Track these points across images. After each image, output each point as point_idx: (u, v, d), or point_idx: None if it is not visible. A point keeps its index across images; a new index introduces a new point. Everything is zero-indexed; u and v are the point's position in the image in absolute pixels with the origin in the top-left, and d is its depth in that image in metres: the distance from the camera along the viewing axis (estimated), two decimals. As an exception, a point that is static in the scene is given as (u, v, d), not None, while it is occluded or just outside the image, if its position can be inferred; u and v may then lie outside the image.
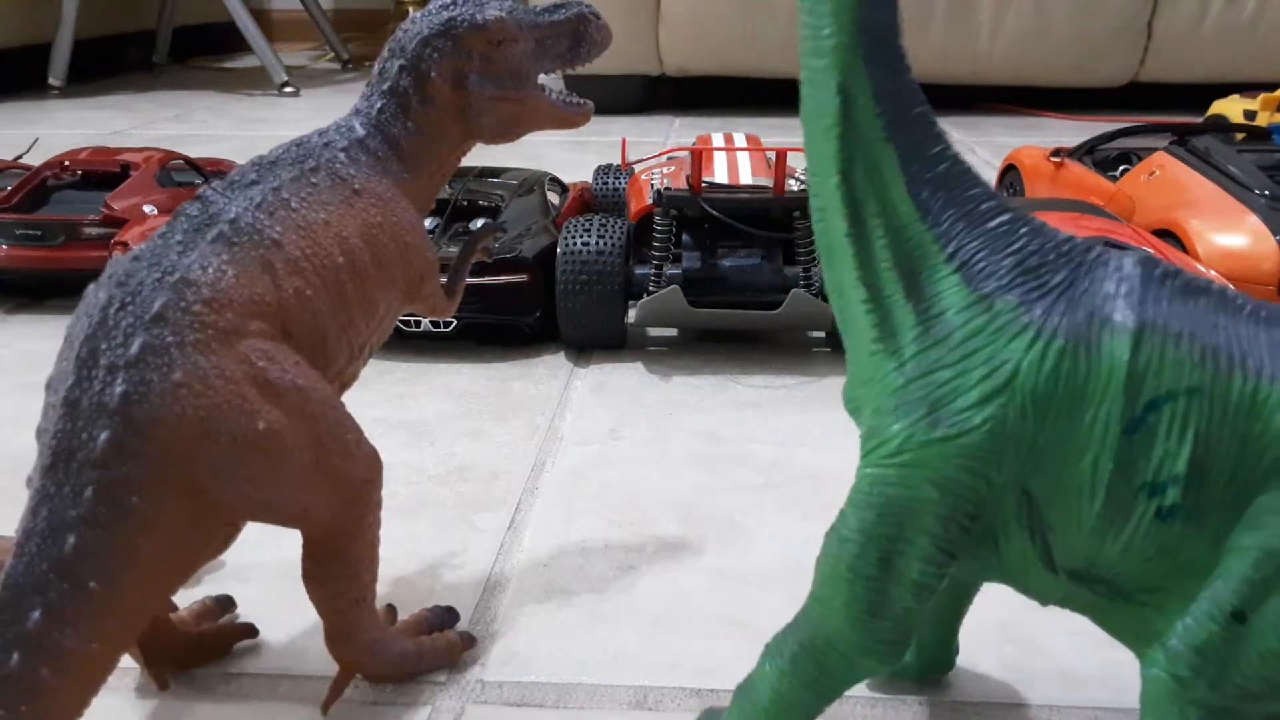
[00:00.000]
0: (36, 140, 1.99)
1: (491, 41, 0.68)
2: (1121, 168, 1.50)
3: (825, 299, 1.14)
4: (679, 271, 1.20)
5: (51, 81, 3.25)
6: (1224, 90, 2.10)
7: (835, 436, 1.03)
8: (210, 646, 0.70)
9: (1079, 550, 0.50)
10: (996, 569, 0.53)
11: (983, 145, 2.50)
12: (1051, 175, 1.54)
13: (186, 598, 0.75)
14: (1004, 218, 0.51)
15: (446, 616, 0.71)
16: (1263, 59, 2.82)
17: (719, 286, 1.20)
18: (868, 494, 0.51)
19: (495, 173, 1.45)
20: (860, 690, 0.68)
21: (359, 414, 0.64)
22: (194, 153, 2.14)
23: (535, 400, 1.11)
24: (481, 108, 0.70)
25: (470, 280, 1.18)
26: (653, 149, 2.18)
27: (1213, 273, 1.10)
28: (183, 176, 1.50)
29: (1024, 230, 0.51)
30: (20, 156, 1.63)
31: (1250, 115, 1.83)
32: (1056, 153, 1.56)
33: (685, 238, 1.22)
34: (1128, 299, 0.48)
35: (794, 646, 0.54)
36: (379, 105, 0.68)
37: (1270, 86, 1.97)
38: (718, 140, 1.38)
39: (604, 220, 1.23)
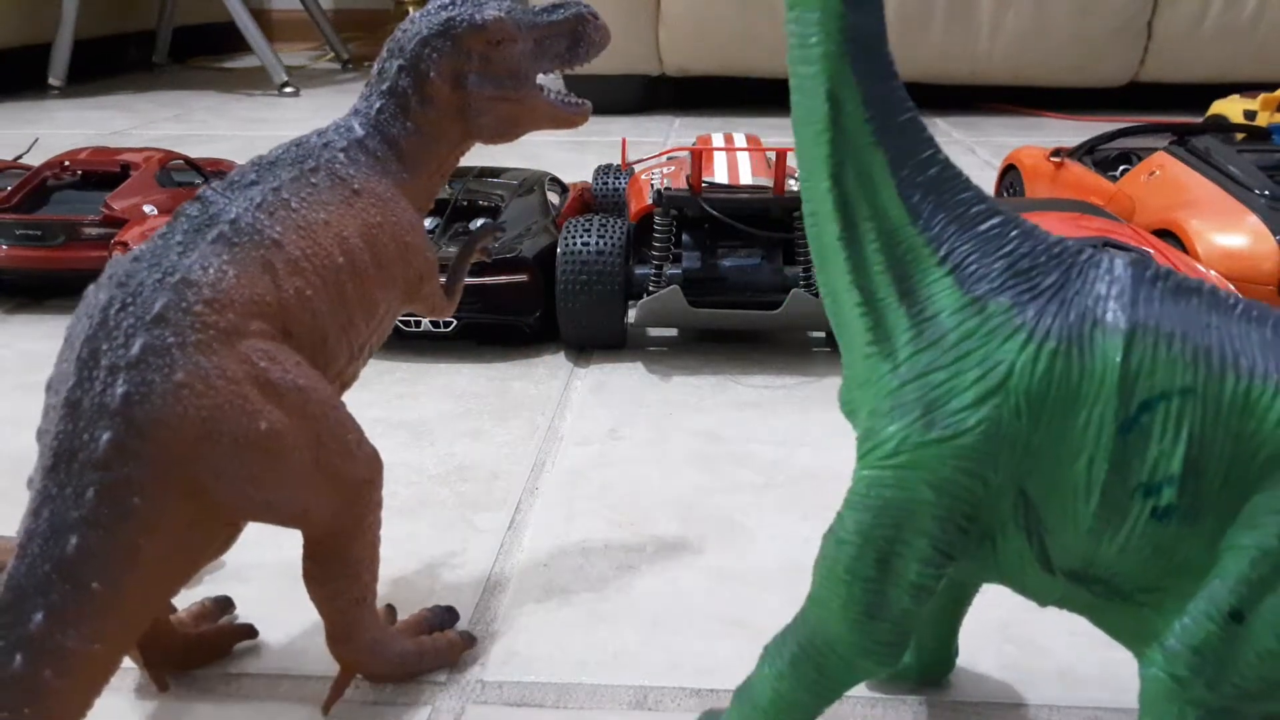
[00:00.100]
0: (36, 140, 1.99)
1: (490, 41, 0.68)
2: (1121, 168, 1.50)
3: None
4: (679, 271, 1.20)
5: (51, 81, 3.26)
6: (1224, 90, 2.10)
7: (835, 436, 1.03)
8: (210, 648, 0.70)
9: (1076, 551, 0.50)
10: (994, 570, 0.53)
11: (983, 145, 2.50)
12: (1051, 175, 1.54)
13: (186, 599, 0.75)
14: (995, 220, 0.51)
15: (446, 616, 0.71)
16: (1263, 59, 2.82)
17: (719, 286, 1.20)
18: (864, 496, 0.51)
19: (495, 173, 1.45)
20: (860, 690, 0.68)
21: (359, 414, 0.64)
22: (194, 153, 2.14)
23: (535, 400, 1.11)
24: (480, 108, 0.70)
25: (470, 280, 1.18)
26: (653, 149, 2.18)
27: (1213, 273, 1.10)
28: (183, 176, 1.50)
29: (1015, 233, 0.51)
30: (20, 156, 1.63)
31: (1250, 115, 1.83)
32: (1056, 153, 1.56)
33: (685, 238, 1.22)
34: (1119, 300, 0.49)
35: (793, 648, 0.54)
36: (378, 105, 0.69)
37: (1270, 86, 1.97)
38: (718, 140, 1.38)
39: (604, 220, 1.23)
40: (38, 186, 1.42)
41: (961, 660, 0.70)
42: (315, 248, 0.61)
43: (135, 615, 0.55)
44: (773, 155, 1.23)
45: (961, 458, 0.49)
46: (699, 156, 1.22)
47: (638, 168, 1.50)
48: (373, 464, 0.62)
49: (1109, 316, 0.48)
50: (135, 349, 0.53)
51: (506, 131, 0.72)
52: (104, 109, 3.06)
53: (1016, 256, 0.50)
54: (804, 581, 0.60)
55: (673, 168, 1.37)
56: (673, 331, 1.32)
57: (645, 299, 1.17)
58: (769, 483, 0.94)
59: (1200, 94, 2.36)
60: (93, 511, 0.52)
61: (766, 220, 1.21)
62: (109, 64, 3.78)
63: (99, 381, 0.53)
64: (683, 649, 0.72)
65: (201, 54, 4.28)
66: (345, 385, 0.67)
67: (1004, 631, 0.73)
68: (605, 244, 1.19)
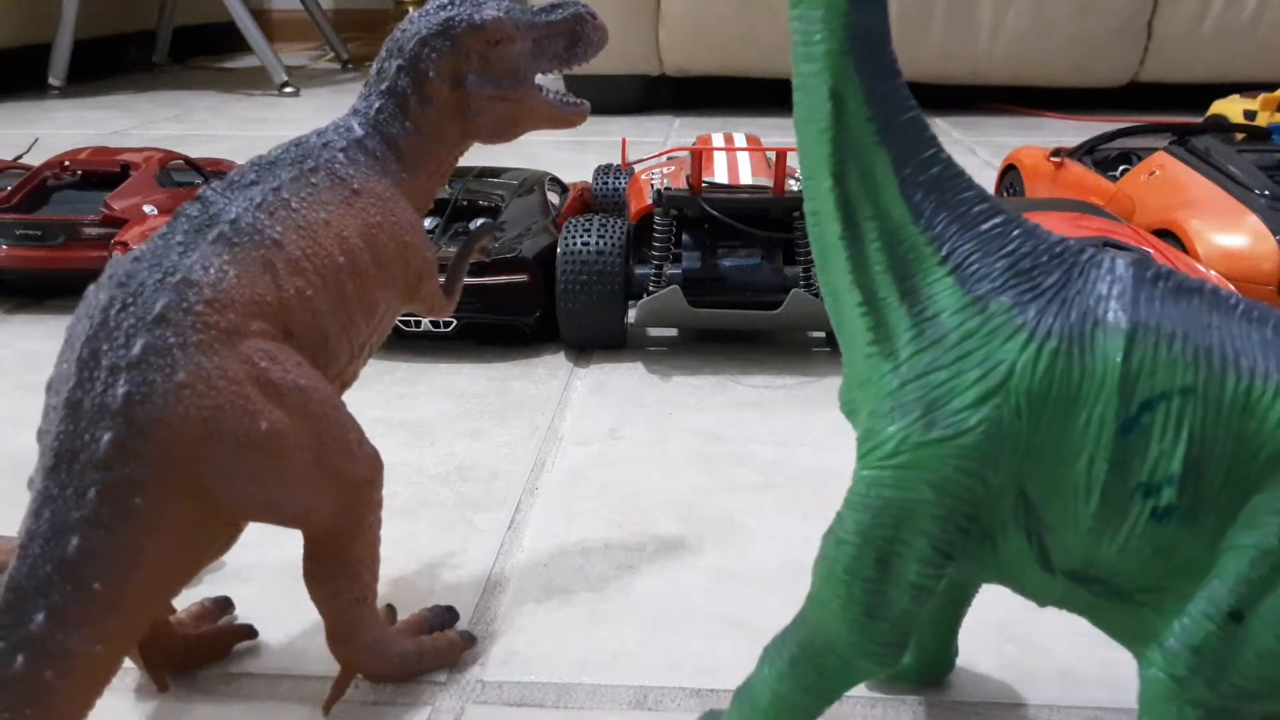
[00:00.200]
0: (36, 140, 1.99)
1: (489, 41, 0.68)
2: (1121, 168, 1.50)
3: (825, 299, 1.14)
4: (679, 271, 1.20)
5: (51, 81, 3.26)
6: (1224, 90, 2.10)
7: (835, 436, 1.03)
8: (209, 648, 0.70)
9: (1076, 551, 0.50)
10: (994, 570, 0.53)
11: (983, 145, 2.50)
12: (1051, 175, 1.54)
13: (185, 599, 0.75)
14: (997, 220, 0.51)
15: (446, 616, 0.71)
16: (1263, 59, 2.82)
17: (719, 286, 1.20)
18: (864, 496, 0.51)
19: (495, 173, 1.45)
20: (860, 691, 0.68)
21: (359, 414, 0.64)
22: (194, 153, 2.14)
23: (535, 400, 1.11)
24: (479, 107, 0.70)
25: (470, 280, 1.18)
26: (653, 149, 2.18)
27: (1213, 273, 1.10)
28: (183, 176, 1.50)
29: (1017, 232, 0.51)
30: (20, 156, 1.63)
31: (1250, 115, 1.83)
32: (1056, 153, 1.56)
33: (685, 238, 1.22)
34: (1120, 300, 0.49)
35: (792, 649, 0.54)
36: (377, 105, 0.69)
37: (1270, 86, 1.97)
38: (718, 140, 1.38)
39: (604, 220, 1.23)
40: (38, 186, 1.42)
41: (961, 660, 0.70)
42: (315, 247, 0.61)
43: (137, 616, 0.55)
44: (773, 155, 1.23)
45: (962, 458, 0.49)
46: (699, 156, 1.22)
47: (638, 168, 1.50)
48: (373, 464, 0.62)
49: (1110, 316, 0.48)
50: (136, 349, 0.53)
51: (505, 131, 0.72)
52: (104, 109, 3.06)
53: (1018, 256, 0.50)
54: (804, 581, 0.60)
55: (673, 168, 1.37)
56: (673, 331, 1.32)
57: (645, 299, 1.17)
58: (769, 483, 0.94)
59: (1200, 94, 2.36)
60: (94, 512, 0.52)
61: (766, 220, 1.21)
62: (109, 64, 3.78)
63: (100, 382, 0.53)
64: (683, 649, 0.72)
65: (201, 54, 4.28)
66: (345, 385, 0.67)
67: (1004, 631, 0.73)
68: (605, 244, 1.19)
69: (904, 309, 0.52)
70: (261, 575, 0.80)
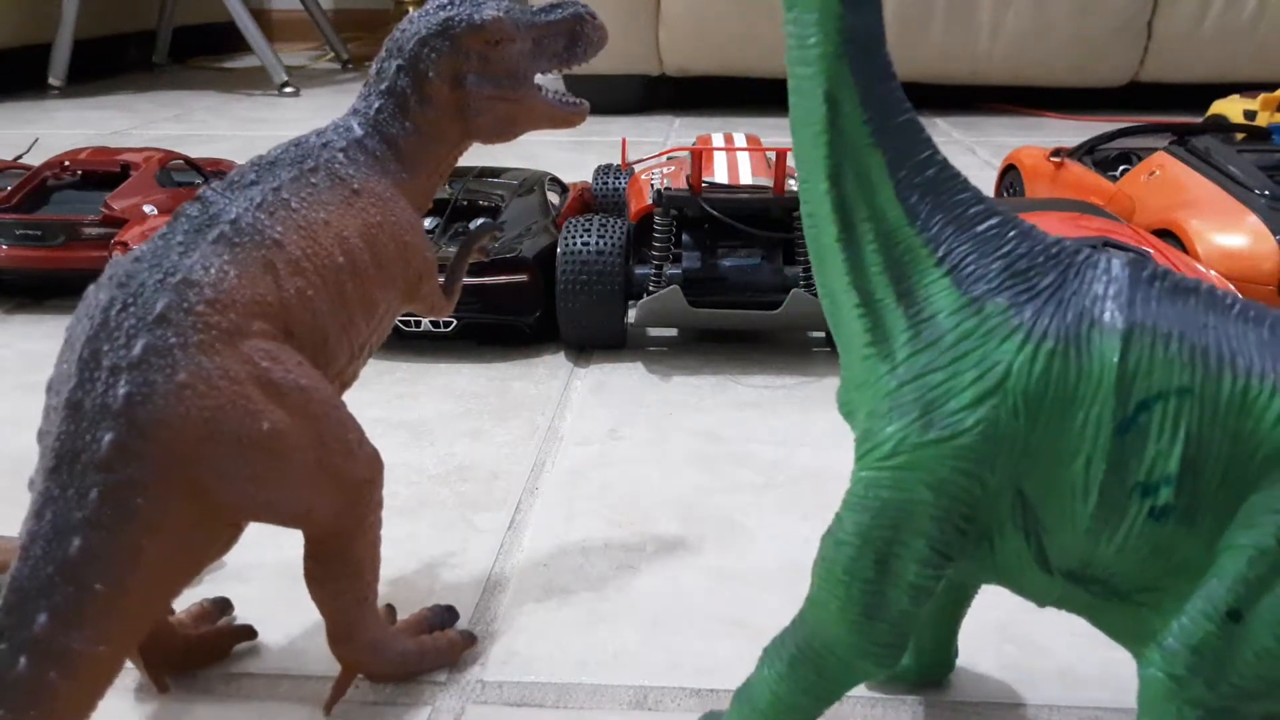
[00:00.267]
0: (36, 140, 1.99)
1: (489, 41, 0.69)
2: (1121, 168, 1.50)
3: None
4: (679, 271, 1.20)
5: (51, 81, 3.26)
6: (1224, 90, 2.10)
7: (835, 436, 1.03)
8: (209, 649, 0.70)
9: (1074, 551, 0.50)
10: (992, 570, 0.53)
11: (983, 145, 2.50)
12: (1051, 175, 1.54)
13: (185, 600, 0.75)
14: (993, 221, 0.51)
15: (446, 616, 0.72)
16: (1263, 59, 2.82)
17: (719, 286, 1.20)
18: (863, 497, 0.51)
19: (495, 173, 1.45)
20: (860, 691, 0.68)
21: (359, 414, 0.64)
22: (194, 153, 2.14)
23: (535, 400, 1.11)
24: (479, 107, 0.70)
25: (470, 280, 1.18)
26: (653, 149, 2.18)
27: (1213, 273, 1.10)
28: (183, 176, 1.51)
29: (1013, 233, 0.51)
30: (20, 156, 1.64)
31: (1250, 115, 1.83)
32: (1056, 153, 1.56)
33: (685, 238, 1.23)
34: (1116, 300, 0.49)
35: (792, 650, 0.54)
36: (377, 105, 0.69)
37: (1270, 86, 1.97)
38: (718, 140, 1.38)
39: (604, 220, 1.23)
40: (38, 186, 1.42)
41: (961, 660, 0.70)
42: (316, 247, 0.61)
43: (139, 616, 0.55)
44: (773, 155, 1.23)
45: (959, 458, 0.49)
46: (699, 156, 1.22)
47: (638, 168, 1.50)
48: (374, 464, 0.62)
49: (1106, 317, 0.48)
50: (137, 349, 0.53)
51: (505, 131, 0.72)
52: (104, 109, 3.06)
53: (1014, 257, 0.51)
54: (804, 581, 0.60)
55: (673, 168, 1.37)
56: (673, 331, 1.32)
57: (645, 299, 1.17)
58: (769, 483, 0.94)
59: (1200, 94, 2.36)
60: (95, 513, 0.52)
61: (766, 220, 1.21)
62: (109, 64, 3.78)
63: (100, 382, 0.53)
64: (683, 649, 0.72)
65: (201, 54, 4.28)
66: (345, 385, 0.67)
67: (1004, 631, 0.73)
68: (605, 244, 1.20)
69: (901, 310, 0.52)
70: (261, 575, 0.80)
